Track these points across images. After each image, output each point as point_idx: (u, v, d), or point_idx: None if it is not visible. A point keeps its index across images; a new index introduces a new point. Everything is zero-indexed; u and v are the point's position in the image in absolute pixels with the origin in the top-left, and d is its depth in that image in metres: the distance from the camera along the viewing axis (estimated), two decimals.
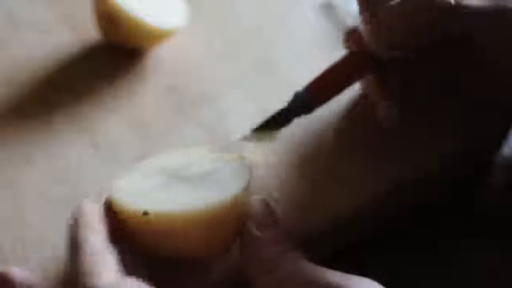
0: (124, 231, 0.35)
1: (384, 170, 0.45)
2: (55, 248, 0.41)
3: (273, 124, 0.43)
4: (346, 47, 0.45)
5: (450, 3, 0.36)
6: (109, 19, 0.50)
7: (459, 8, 0.36)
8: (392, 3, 0.38)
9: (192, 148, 0.41)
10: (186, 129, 0.48)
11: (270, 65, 0.53)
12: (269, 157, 0.45)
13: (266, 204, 0.37)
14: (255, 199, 0.37)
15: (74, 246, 0.34)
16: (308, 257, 0.35)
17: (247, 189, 0.36)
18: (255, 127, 0.43)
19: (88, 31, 0.54)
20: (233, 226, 0.36)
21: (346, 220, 0.44)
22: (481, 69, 0.42)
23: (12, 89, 0.51)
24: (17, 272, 0.35)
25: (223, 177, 0.37)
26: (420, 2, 0.37)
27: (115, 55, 0.53)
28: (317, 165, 0.46)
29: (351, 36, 0.44)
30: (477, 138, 0.48)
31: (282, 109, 0.43)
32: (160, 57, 0.54)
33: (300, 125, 0.46)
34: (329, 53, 0.47)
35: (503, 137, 0.50)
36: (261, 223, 0.36)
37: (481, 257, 0.46)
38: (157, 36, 0.52)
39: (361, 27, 0.40)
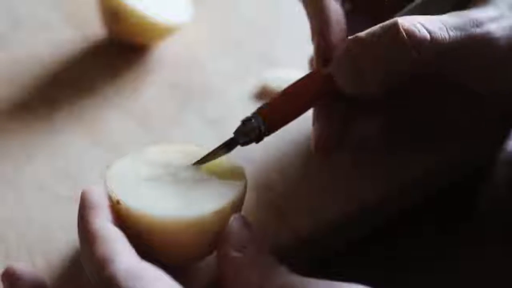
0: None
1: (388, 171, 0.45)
2: (58, 244, 0.41)
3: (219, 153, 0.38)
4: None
5: (425, 37, 0.35)
6: (113, 16, 0.50)
7: (435, 41, 0.35)
8: (363, 36, 0.36)
9: (204, 148, 0.40)
10: (190, 124, 0.48)
11: (273, 59, 0.53)
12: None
13: (242, 222, 0.35)
14: (230, 218, 0.35)
15: (85, 232, 0.33)
16: (292, 269, 0.34)
17: (231, 207, 0.35)
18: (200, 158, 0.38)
19: (91, 28, 0.54)
20: (208, 239, 0.35)
21: (350, 218, 0.44)
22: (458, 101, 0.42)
23: (15, 86, 0.51)
24: (21, 268, 0.35)
25: (212, 189, 0.36)
26: (394, 38, 0.35)
27: (119, 52, 0.53)
28: (321, 162, 0.46)
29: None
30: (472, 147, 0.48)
31: (230, 140, 0.38)
32: (164, 53, 0.54)
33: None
34: None
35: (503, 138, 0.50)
36: (239, 243, 0.34)
37: (480, 263, 0.46)
38: (161, 32, 0.52)
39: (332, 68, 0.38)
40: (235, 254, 0.34)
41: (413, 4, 0.39)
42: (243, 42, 0.55)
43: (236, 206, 0.36)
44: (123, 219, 0.35)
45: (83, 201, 0.35)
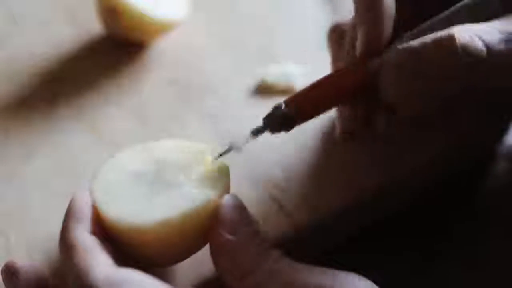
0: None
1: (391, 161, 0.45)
2: (58, 241, 0.41)
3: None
4: (329, 46, 0.42)
5: (482, 53, 0.33)
6: (111, 12, 0.50)
7: (491, 56, 0.33)
8: (416, 47, 0.34)
9: (192, 144, 0.39)
10: (189, 120, 0.49)
11: (271, 55, 0.53)
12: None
13: (235, 205, 0.34)
14: (223, 200, 0.34)
15: (63, 243, 0.33)
16: (290, 256, 0.34)
17: (210, 208, 0.34)
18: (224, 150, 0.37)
19: (90, 25, 0.54)
20: (188, 242, 0.35)
21: (350, 211, 0.44)
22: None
23: (14, 84, 0.51)
24: (22, 263, 0.35)
25: (193, 192, 0.35)
26: (449, 52, 0.33)
27: (117, 49, 0.53)
28: (321, 156, 0.46)
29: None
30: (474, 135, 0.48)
31: (257, 128, 0.37)
32: (162, 49, 0.54)
33: None
34: None
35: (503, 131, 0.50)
36: (232, 226, 0.33)
37: (476, 252, 0.46)
38: (159, 29, 0.52)
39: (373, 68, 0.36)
40: (227, 237, 0.33)
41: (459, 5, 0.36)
42: (242, 38, 0.55)
43: (216, 206, 0.35)
44: (105, 227, 0.35)
45: (68, 209, 0.35)
